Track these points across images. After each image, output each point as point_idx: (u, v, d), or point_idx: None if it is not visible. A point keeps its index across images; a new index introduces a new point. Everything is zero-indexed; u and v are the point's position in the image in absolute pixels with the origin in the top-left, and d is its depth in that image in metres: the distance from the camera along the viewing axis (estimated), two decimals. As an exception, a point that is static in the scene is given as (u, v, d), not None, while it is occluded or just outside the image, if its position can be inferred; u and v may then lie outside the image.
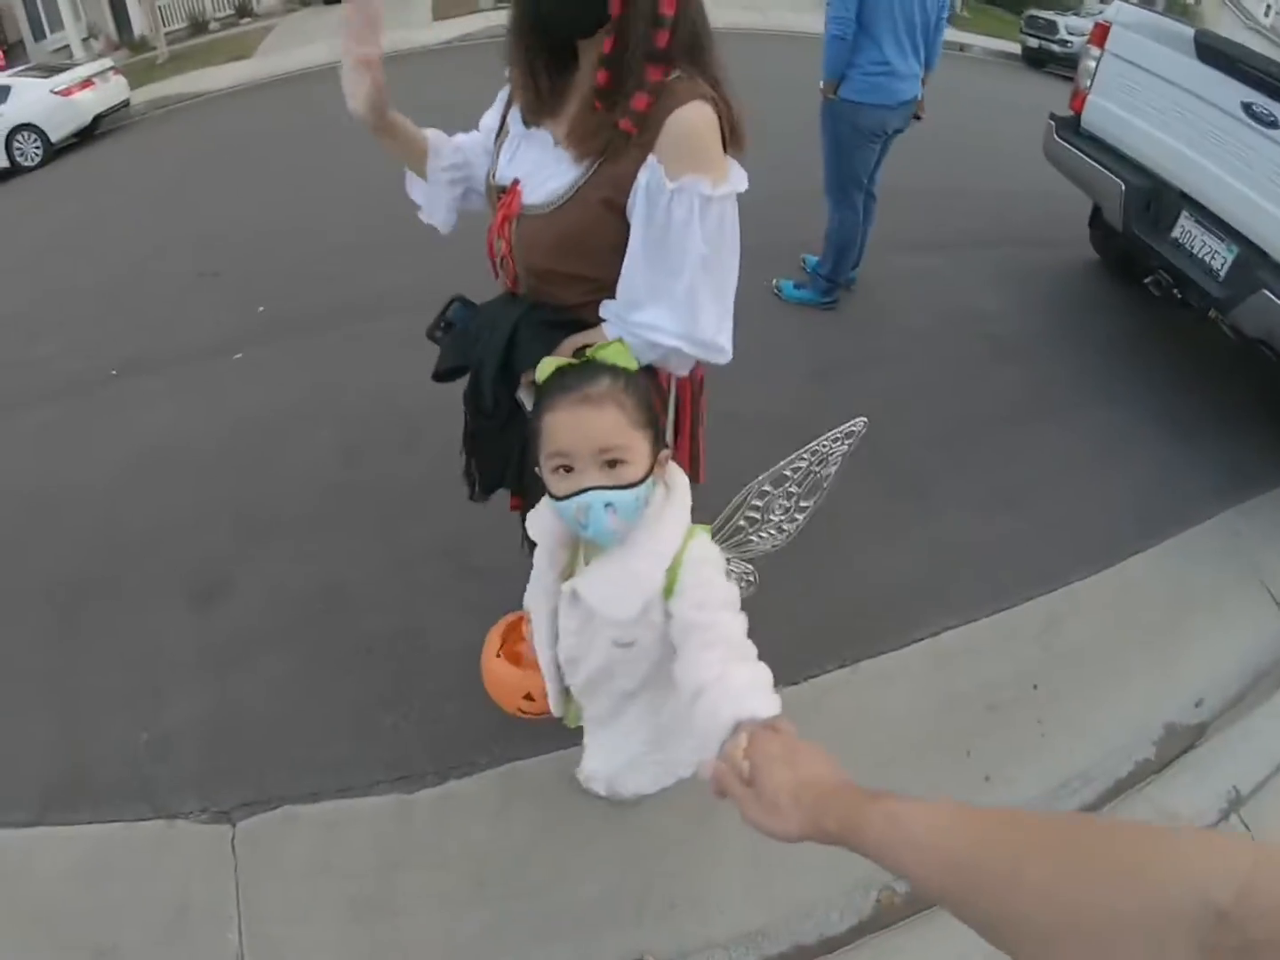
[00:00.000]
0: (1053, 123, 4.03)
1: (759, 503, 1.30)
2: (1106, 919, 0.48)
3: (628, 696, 1.23)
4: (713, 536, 1.23)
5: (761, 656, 0.94)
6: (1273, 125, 2.90)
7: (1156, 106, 3.45)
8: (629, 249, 1.17)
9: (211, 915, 1.71)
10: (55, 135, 9.40)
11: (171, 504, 2.83)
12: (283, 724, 2.07)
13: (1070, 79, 4.18)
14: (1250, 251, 3.02)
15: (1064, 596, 2.45)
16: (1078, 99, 3.89)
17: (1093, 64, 3.78)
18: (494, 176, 1.32)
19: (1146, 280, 3.54)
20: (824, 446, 1.28)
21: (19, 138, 9.19)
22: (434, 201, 1.46)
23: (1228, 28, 27.34)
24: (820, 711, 2.04)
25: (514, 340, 1.28)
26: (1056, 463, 3.02)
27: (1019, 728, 2.07)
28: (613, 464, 0.96)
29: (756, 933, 1.68)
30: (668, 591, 1.02)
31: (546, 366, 1.01)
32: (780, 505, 1.30)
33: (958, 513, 2.72)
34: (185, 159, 7.87)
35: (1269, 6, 29.48)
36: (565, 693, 1.33)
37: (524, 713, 1.44)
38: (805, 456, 1.27)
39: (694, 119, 1.10)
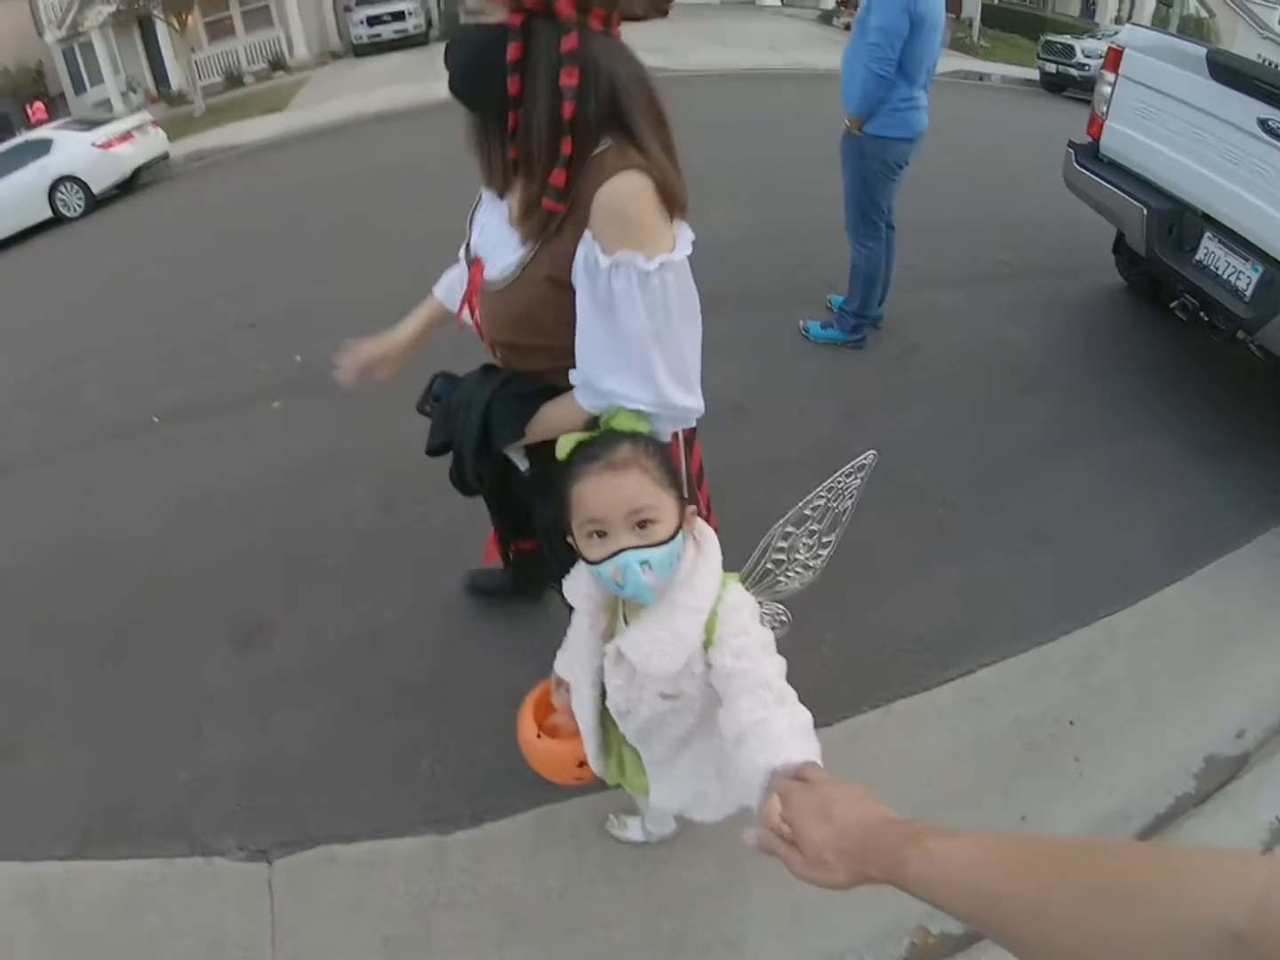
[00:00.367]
0: (1072, 150, 4.03)
1: (784, 544, 1.31)
2: (1128, 946, 0.50)
3: (680, 742, 1.25)
4: (743, 582, 1.26)
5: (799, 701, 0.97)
6: None
7: (1174, 128, 3.44)
8: (579, 323, 1.17)
9: (247, 952, 1.73)
10: (97, 187, 9.78)
11: (213, 547, 2.90)
12: (321, 765, 2.10)
13: (1090, 101, 4.18)
14: (1275, 270, 2.99)
15: (1099, 631, 2.42)
16: (1095, 125, 3.89)
17: (1108, 89, 3.79)
18: (467, 246, 1.35)
19: (1172, 304, 3.53)
20: (839, 482, 1.29)
21: (62, 189, 9.59)
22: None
23: (1243, 39, 27.20)
24: (854, 754, 2.03)
25: (488, 418, 1.29)
26: (1087, 495, 2.99)
27: (1056, 766, 2.04)
28: (643, 524, 1.00)
29: (793, 976, 1.67)
30: (707, 643, 1.06)
31: (567, 443, 1.05)
32: (804, 544, 1.32)
33: (989, 549, 2.71)
34: (223, 210, 8.15)
35: None
36: (605, 749, 1.37)
37: (579, 780, 1.46)
38: (823, 494, 1.29)
39: (622, 192, 1.08)
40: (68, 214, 9.62)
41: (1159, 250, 3.47)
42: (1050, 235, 5.23)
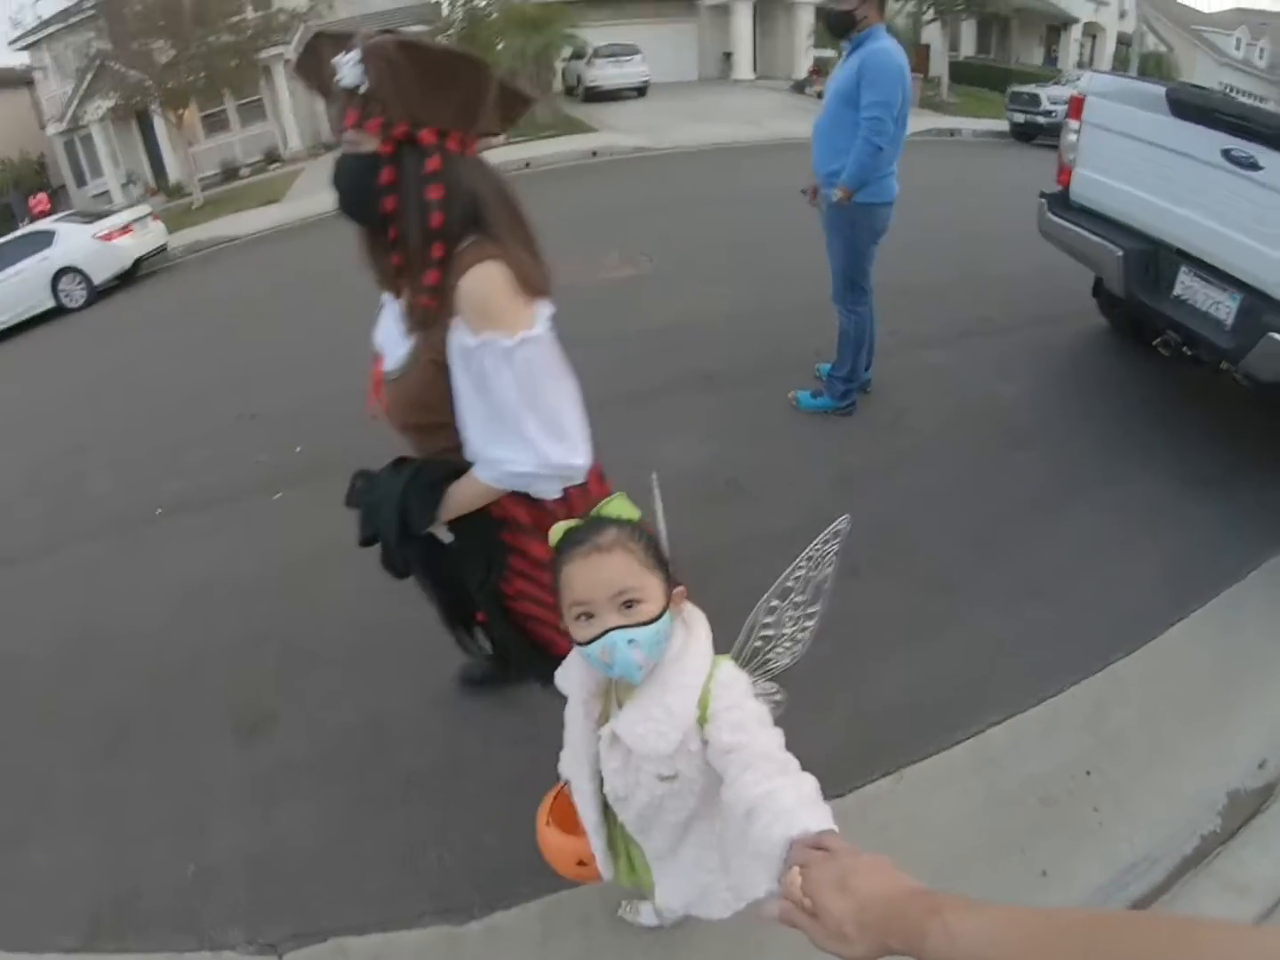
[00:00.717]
0: (1044, 200, 4.10)
1: (769, 619, 1.33)
2: None
3: (682, 828, 1.24)
4: (734, 661, 1.26)
5: (803, 769, 0.97)
6: (1253, 167, 2.93)
7: (1141, 169, 3.51)
8: (459, 401, 1.33)
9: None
10: (98, 278, 9.96)
11: (216, 638, 2.90)
12: (328, 856, 2.07)
13: (1058, 148, 4.26)
14: (1253, 297, 3.02)
15: (1107, 679, 2.40)
16: (1064, 173, 3.97)
17: (1074, 137, 3.88)
18: (374, 342, 1.52)
19: (1155, 342, 3.56)
20: (816, 551, 1.32)
21: (64, 280, 9.77)
22: None
23: (1202, 69, 28.19)
24: (868, 822, 1.99)
25: (405, 509, 1.41)
26: (1086, 542, 2.98)
27: (1074, 819, 2.00)
28: (629, 604, 1.01)
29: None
30: (701, 720, 1.06)
31: (557, 530, 1.09)
32: (790, 617, 1.33)
33: (990, 606, 2.69)
34: (222, 301, 8.31)
35: (1239, 40, 30.41)
36: (612, 850, 1.36)
37: (581, 877, 1.47)
38: (802, 565, 1.32)
39: (480, 281, 1.24)
40: (70, 305, 9.80)
41: (1137, 290, 3.51)
42: (1030, 285, 5.31)
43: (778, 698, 1.47)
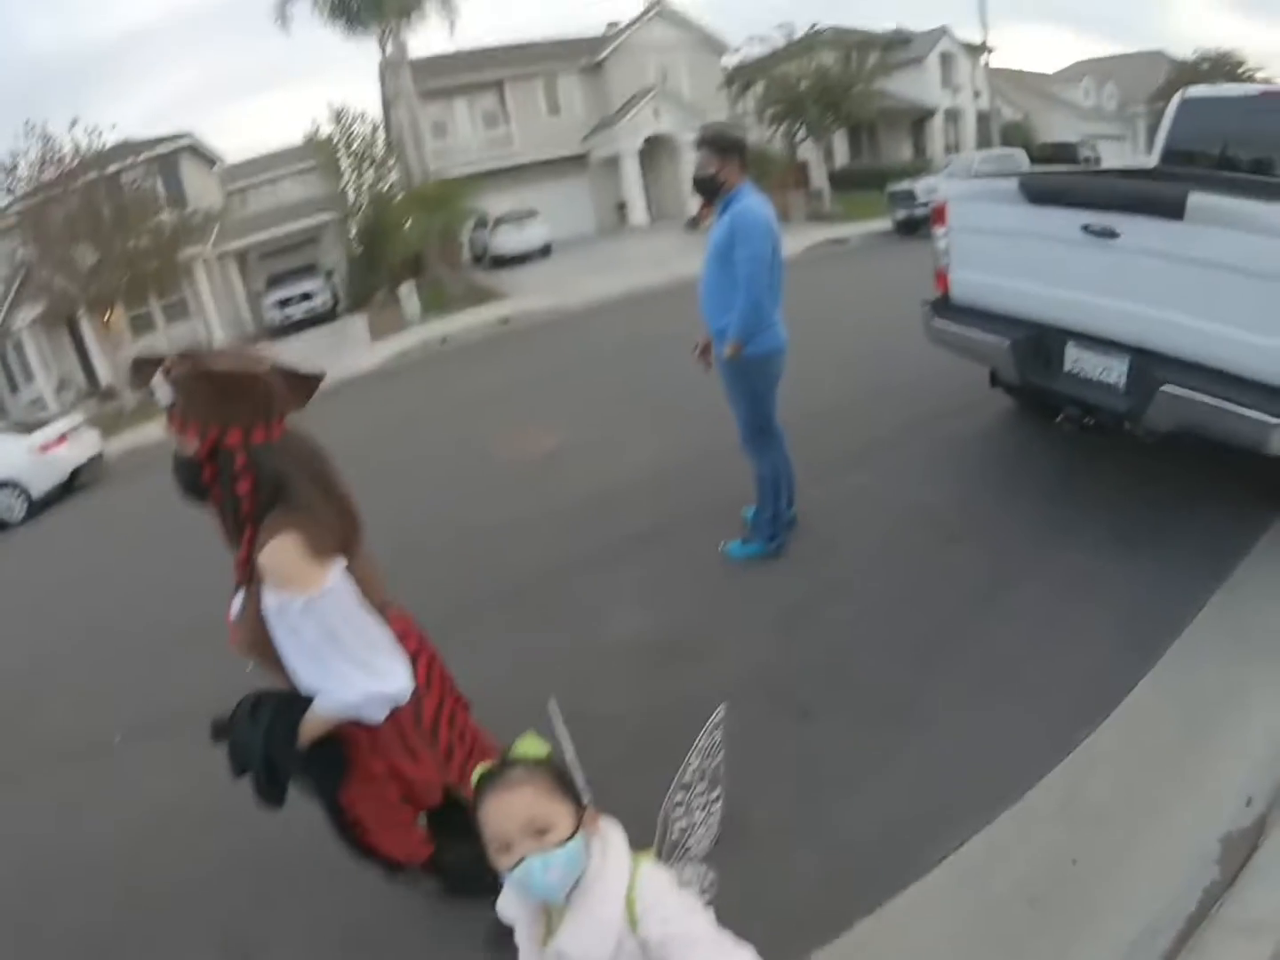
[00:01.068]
0: (927, 308, 4.25)
1: (680, 812, 1.43)
2: None
3: None
4: (657, 855, 1.37)
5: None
6: (1112, 235, 3.12)
7: (1012, 259, 3.69)
8: (281, 647, 1.54)
9: None
10: (37, 491, 9.81)
11: (192, 862, 2.78)
12: None
13: None
14: (1139, 356, 3.17)
15: (1077, 759, 2.39)
16: (941, 279, 4.16)
17: (943, 243, 4.09)
18: None
19: (1058, 420, 3.68)
20: (704, 743, 1.45)
21: (2, 494, 9.58)
22: None
23: (1060, 126, 30.68)
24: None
25: (271, 762, 1.62)
26: (1032, 627, 3.02)
27: (1068, 911, 1.97)
28: (541, 832, 1.12)
29: None
30: (632, 922, 1.14)
31: (476, 775, 1.20)
32: (698, 803, 1.44)
33: (948, 717, 2.67)
34: (161, 510, 8.13)
35: (1086, 90, 33.52)
36: None
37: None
38: (694, 759, 1.44)
39: (273, 553, 1.47)
40: (8, 519, 9.60)
41: (1031, 374, 3.67)
42: (936, 383, 5.53)
43: (710, 877, 1.52)
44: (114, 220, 15.07)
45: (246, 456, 1.51)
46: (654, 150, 25.04)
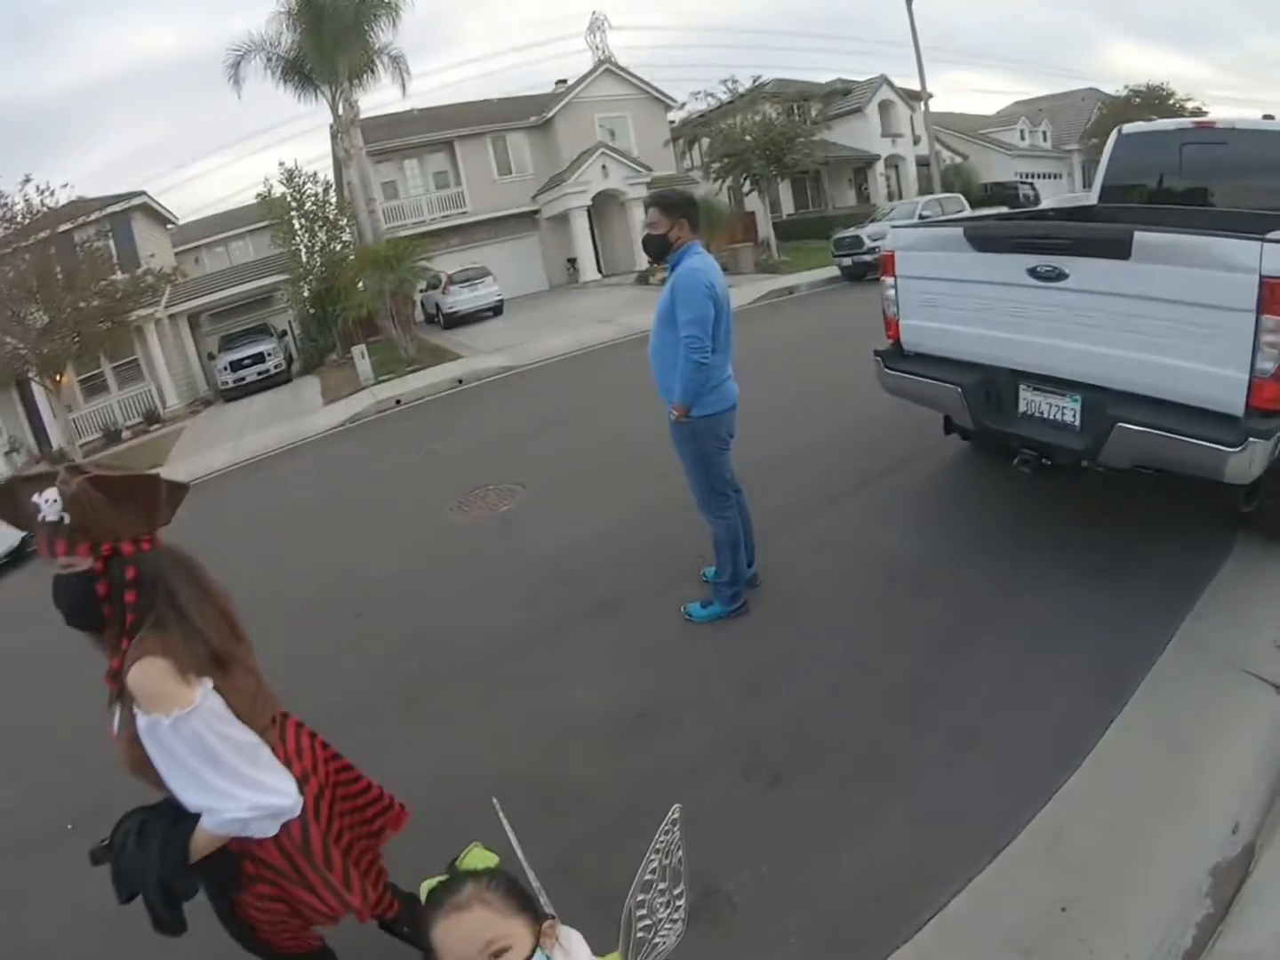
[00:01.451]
0: (879, 358, 4.27)
1: (643, 912, 1.41)
2: None
3: None
4: (624, 958, 1.36)
5: None
6: (1060, 277, 3.18)
7: (960, 305, 3.73)
8: (158, 765, 1.50)
9: None
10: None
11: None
12: None
13: None
14: (1092, 393, 3.21)
15: (1059, 804, 2.37)
16: (891, 328, 4.20)
17: (891, 292, 4.13)
18: None
19: (1015, 462, 3.70)
20: (661, 843, 1.43)
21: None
22: None
23: (998, 166, 32.00)
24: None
25: (167, 888, 1.55)
26: (1003, 673, 3.01)
27: (1063, 958, 1.94)
28: (497, 954, 1.08)
29: None
30: None
31: (425, 888, 1.19)
32: (661, 903, 1.42)
33: (924, 773, 2.63)
34: None
35: (1022, 131, 34.96)
36: None
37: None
38: (654, 859, 1.42)
39: (141, 675, 1.46)
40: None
41: (984, 419, 3.70)
42: (889, 429, 5.57)
43: None
44: (65, 280, 14.80)
45: (137, 568, 1.52)
46: (603, 205, 25.39)
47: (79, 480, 1.45)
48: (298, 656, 4.28)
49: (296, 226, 21.04)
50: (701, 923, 1.47)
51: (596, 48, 26.94)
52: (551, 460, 7.29)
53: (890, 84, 30.64)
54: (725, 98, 22.23)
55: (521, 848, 1.49)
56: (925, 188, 26.83)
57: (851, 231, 16.33)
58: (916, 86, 23.52)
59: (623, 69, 26.83)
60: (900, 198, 27.81)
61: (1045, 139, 35.89)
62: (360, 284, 17.39)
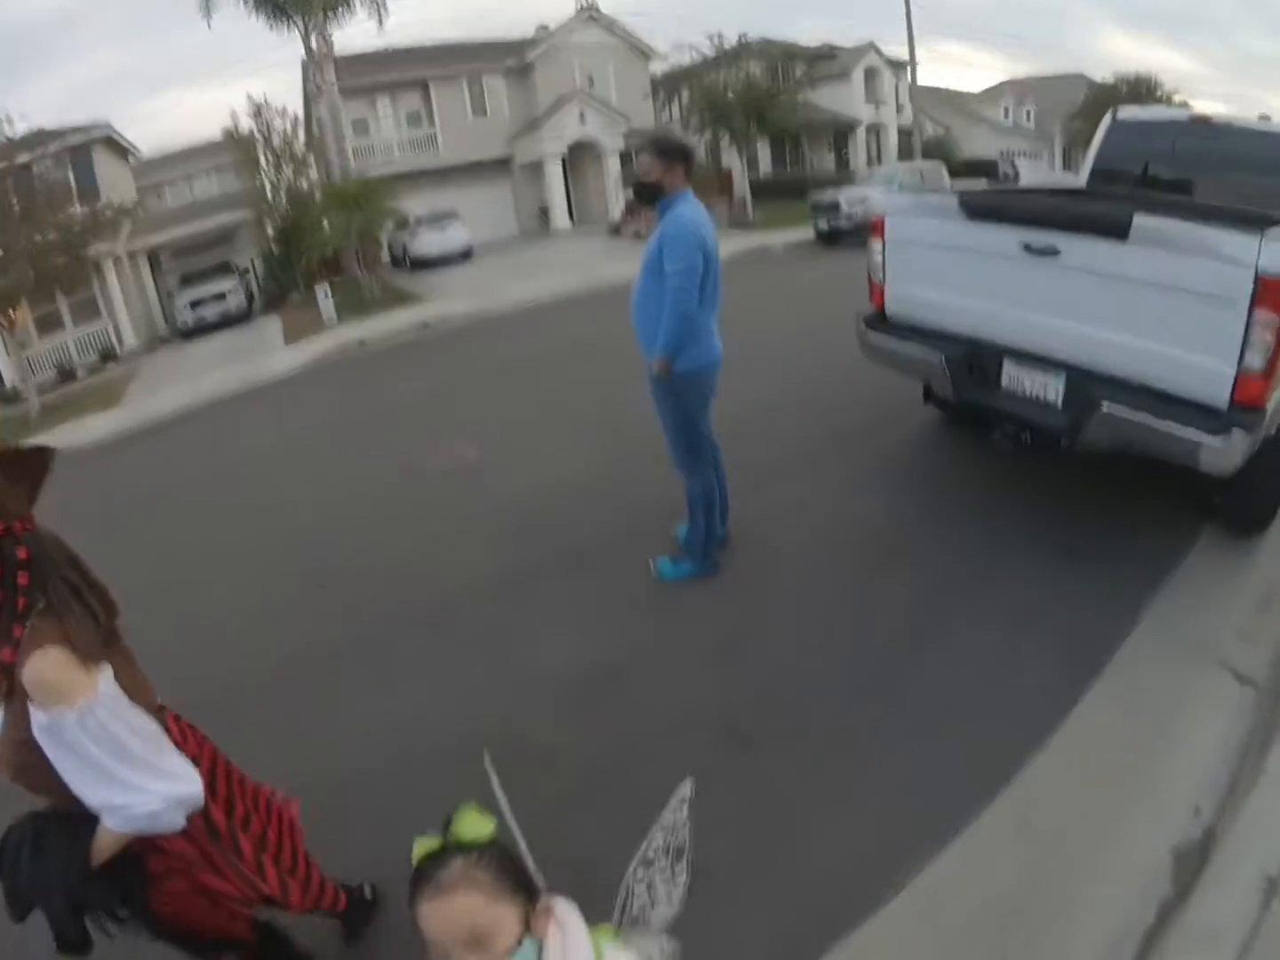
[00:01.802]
0: (861, 322, 4.21)
1: (641, 886, 1.39)
2: None
3: None
4: (617, 928, 1.33)
5: None
6: (1053, 253, 3.14)
7: (949, 275, 3.68)
8: (59, 766, 1.39)
9: None
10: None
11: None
12: None
13: (864, 247, 4.39)
14: (1077, 374, 3.19)
15: (1026, 783, 2.39)
16: (876, 293, 4.12)
17: (879, 257, 4.04)
18: None
19: (994, 436, 3.68)
20: (668, 820, 1.43)
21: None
22: None
23: (982, 138, 32.04)
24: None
25: (80, 904, 1.48)
26: (973, 651, 3.00)
27: (1030, 932, 1.97)
28: (483, 942, 1.02)
29: None
30: None
31: (417, 851, 1.09)
32: (661, 877, 1.40)
33: (893, 745, 2.62)
34: (68, 527, 7.52)
35: (1006, 109, 34.96)
36: None
37: None
38: (658, 835, 1.42)
39: (42, 665, 1.35)
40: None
41: (966, 391, 3.66)
42: (863, 393, 5.54)
43: (670, 949, 1.47)
44: (22, 213, 14.12)
45: (28, 549, 1.41)
46: (579, 155, 24.92)
47: None
48: (257, 608, 4.18)
49: (263, 162, 20.28)
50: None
51: (580, -4, 26.11)
52: (519, 409, 7.17)
53: (878, 51, 30.30)
54: (710, 53, 21.74)
55: (512, 811, 1.44)
56: (906, 156, 26.67)
57: (830, 195, 16.06)
58: (904, 55, 23.23)
59: (607, 16, 26.11)
60: (879, 164, 27.62)
61: (1029, 119, 35.81)
62: (325, 223, 16.86)
